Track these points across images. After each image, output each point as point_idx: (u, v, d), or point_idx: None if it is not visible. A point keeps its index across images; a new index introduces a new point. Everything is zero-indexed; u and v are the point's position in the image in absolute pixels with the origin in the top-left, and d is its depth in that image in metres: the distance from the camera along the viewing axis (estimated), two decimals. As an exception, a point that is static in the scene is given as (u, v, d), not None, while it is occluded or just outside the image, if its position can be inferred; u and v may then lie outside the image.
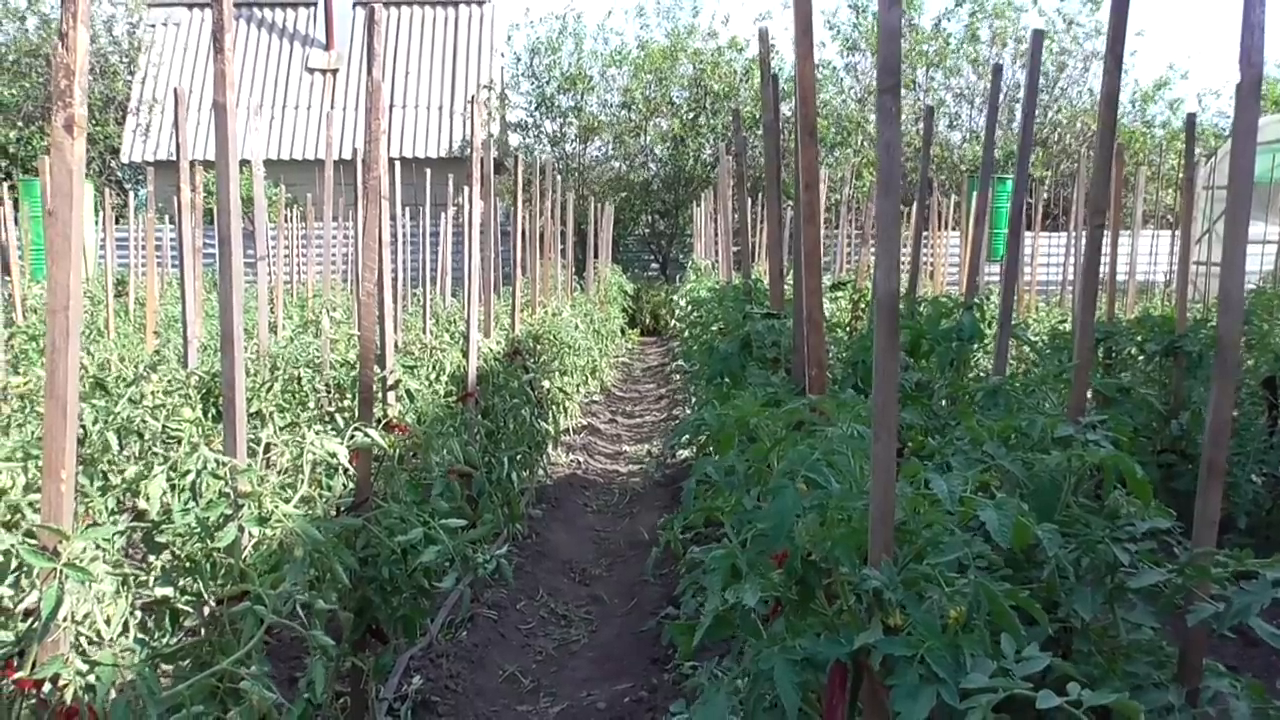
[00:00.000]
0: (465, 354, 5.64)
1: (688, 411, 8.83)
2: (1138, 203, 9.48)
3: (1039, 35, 3.89)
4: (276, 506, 2.65)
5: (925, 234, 14.26)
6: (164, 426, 3.97)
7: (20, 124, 23.01)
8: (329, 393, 5.56)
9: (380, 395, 3.78)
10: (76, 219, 2.10)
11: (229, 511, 2.57)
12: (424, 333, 7.38)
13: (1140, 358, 5.91)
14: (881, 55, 1.96)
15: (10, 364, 6.39)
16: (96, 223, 16.01)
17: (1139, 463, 2.56)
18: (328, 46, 24.28)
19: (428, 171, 10.52)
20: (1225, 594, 2.21)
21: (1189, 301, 6.09)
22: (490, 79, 23.96)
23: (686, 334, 9.64)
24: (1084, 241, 3.04)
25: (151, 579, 2.66)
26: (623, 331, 17.22)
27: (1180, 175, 6.84)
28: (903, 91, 23.11)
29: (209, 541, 2.55)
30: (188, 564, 2.62)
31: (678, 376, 11.95)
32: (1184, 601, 2.28)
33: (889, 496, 2.01)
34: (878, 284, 2.04)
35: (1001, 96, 21.50)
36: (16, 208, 14.03)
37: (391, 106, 23.08)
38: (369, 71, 3.52)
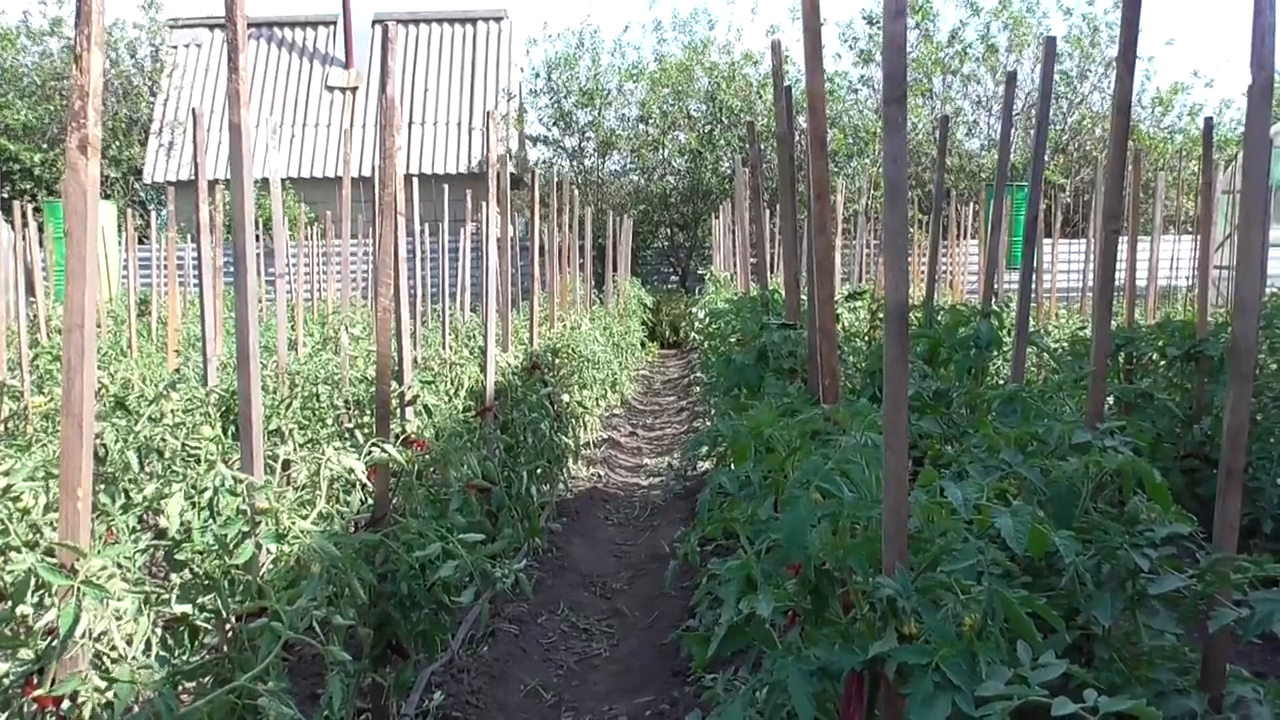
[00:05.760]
0: (483, 369, 5.65)
1: (707, 423, 8.82)
2: (1157, 208, 9.42)
3: (1051, 42, 3.89)
4: (294, 523, 2.66)
5: (944, 243, 14.23)
6: (184, 444, 3.99)
7: (45, 147, 23.28)
8: (348, 409, 5.59)
9: (398, 411, 3.79)
10: (91, 239, 2.13)
11: (246, 528, 2.59)
12: (443, 348, 7.41)
13: (1161, 363, 5.86)
14: (886, 67, 1.96)
15: (35, 384, 6.46)
16: (120, 243, 16.16)
17: (1162, 468, 2.55)
18: (347, 64, 24.46)
19: (445, 187, 10.57)
20: (1247, 599, 2.20)
21: (1212, 306, 6.04)
22: (510, 93, 24.06)
23: (705, 346, 9.64)
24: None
25: (173, 597, 2.67)
26: (642, 344, 17.22)
27: (1199, 180, 6.81)
28: (919, 100, 23.21)
29: (227, 559, 2.56)
30: (206, 581, 2.63)
31: (698, 389, 11.93)
32: (1205, 607, 2.27)
33: (902, 505, 2.00)
34: (887, 294, 2.04)
35: (1020, 104, 21.44)
36: (41, 230, 14.23)
37: (410, 123, 23.22)
38: (383, 89, 3.55)
